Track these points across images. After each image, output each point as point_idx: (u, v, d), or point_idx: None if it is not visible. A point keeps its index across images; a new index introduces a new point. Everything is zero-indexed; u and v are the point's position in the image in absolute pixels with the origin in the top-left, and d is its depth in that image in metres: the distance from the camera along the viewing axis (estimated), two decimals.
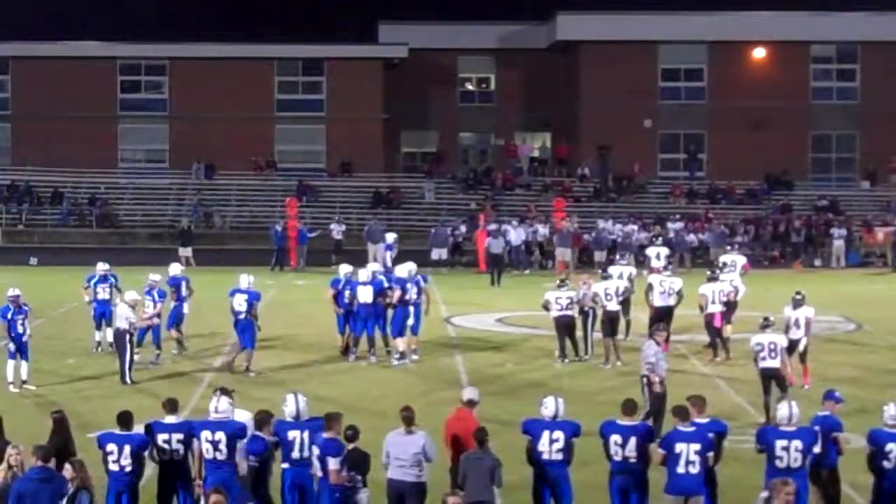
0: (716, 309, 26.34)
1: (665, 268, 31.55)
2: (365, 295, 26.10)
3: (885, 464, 14.15)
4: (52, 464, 13.33)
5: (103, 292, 27.25)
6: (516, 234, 47.41)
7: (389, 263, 35.89)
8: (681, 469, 13.92)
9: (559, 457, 14.28)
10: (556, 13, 60.01)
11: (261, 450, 14.28)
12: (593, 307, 26.38)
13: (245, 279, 25.55)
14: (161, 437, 14.47)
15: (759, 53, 60.37)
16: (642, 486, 14.28)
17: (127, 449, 14.09)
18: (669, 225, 50.07)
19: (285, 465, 14.48)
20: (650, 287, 27.06)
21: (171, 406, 14.84)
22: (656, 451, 14.16)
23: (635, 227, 48.73)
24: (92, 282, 27.59)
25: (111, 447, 14.15)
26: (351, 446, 13.98)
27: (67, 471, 13.12)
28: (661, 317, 25.91)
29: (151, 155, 61.51)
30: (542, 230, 49.08)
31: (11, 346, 23.61)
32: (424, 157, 63.14)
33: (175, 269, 28.30)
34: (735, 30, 59.77)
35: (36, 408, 21.51)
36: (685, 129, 60.91)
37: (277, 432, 14.58)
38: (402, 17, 60.27)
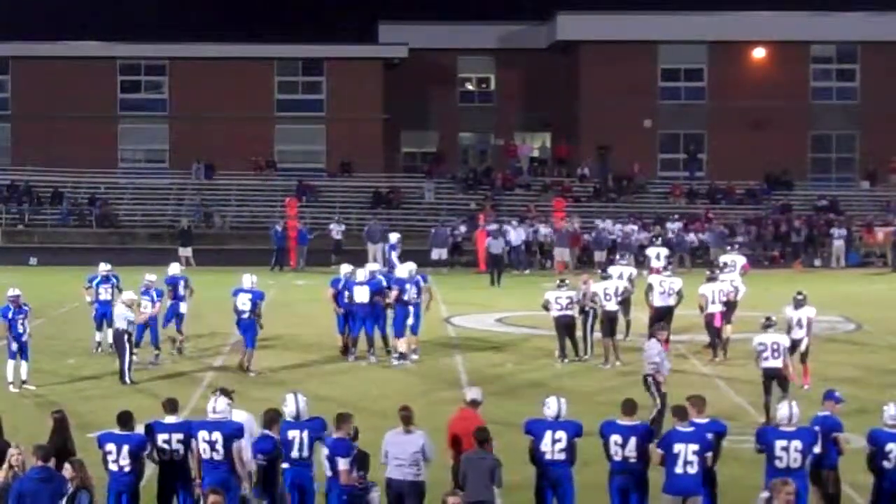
0: (716, 309, 26.34)
1: (665, 268, 31.56)
2: (361, 295, 26.13)
3: (885, 464, 14.15)
4: (51, 463, 13.33)
5: (105, 293, 27.23)
6: (516, 235, 47.41)
7: (396, 262, 35.92)
8: (679, 469, 13.92)
9: (562, 457, 14.27)
10: (556, 13, 60.02)
11: (270, 449, 14.26)
12: (593, 307, 26.38)
13: (248, 279, 25.61)
14: (161, 437, 14.48)
15: (759, 53, 60.38)
16: (642, 486, 14.28)
17: (125, 449, 14.10)
18: (669, 225, 50.07)
19: (285, 465, 14.48)
20: (650, 287, 27.06)
21: (171, 406, 14.85)
22: (655, 451, 14.17)
23: (635, 228, 48.73)
24: (94, 282, 27.59)
25: (110, 447, 14.16)
26: None
27: (67, 470, 13.13)
28: (661, 317, 25.91)
29: (151, 155, 61.52)
30: (544, 230, 49.08)
31: (14, 346, 23.61)
32: (424, 157, 63.15)
33: (174, 268, 28.31)
34: (735, 30, 59.77)
35: (36, 408, 21.51)
36: (685, 129, 60.92)
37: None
38: (402, 17, 60.28)
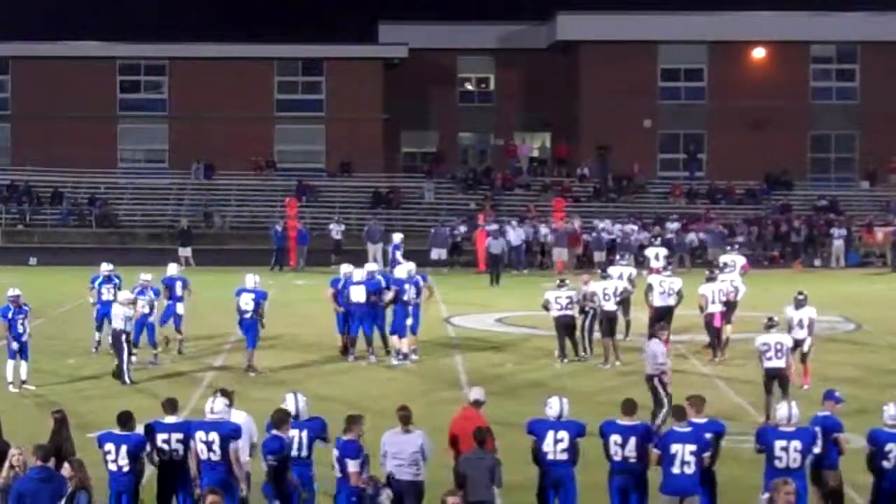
0: (716, 309, 26.33)
1: (665, 268, 31.55)
2: (358, 294, 26.15)
3: (885, 464, 14.14)
4: (51, 463, 13.33)
5: (108, 293, 27.18)
6: (516, 234, 47.41)
7: (402, 260, 35.98)
8: (676, 469, 13.92)
9: (564, 457, 14.26)
10: (556, 13, 60.03)
11: (279, 449, 14.25)
12: (592, 307, 26.36)
13: (251, 279, 25.66)
14: (161, 437, 14.48)
15: (759, 53, 60.39)
16: (642, 486, 14.27)
17: (124, 449, 14.11)
18: (668, 225, 50.07)
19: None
20: (650, 287, 27.05)
21: (171, 406, 14.85)
22: (652, 451, 14.17)
23: (635, 228, 48.73)
24: (96, 282, 27.59)
25: (109, 447, 14.17)
26: None
27: (66, 470, 13.12)
28: (661, 317, 25.90)
29: (151, 155, 61.53)
30: (544, 230, 49.09)
31: (14, 346, 23.61)
32: (424, 157, 63.16)
33: (172, 269, 28.30)
34: (735, 30, 59.78)
35: (36, 408, 21.51)
36: (685, 129, 60.93)
37: None
38: (402, 17, 60.29)
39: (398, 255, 40.71)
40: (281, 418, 14.37)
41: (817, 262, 50.11)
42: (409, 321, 26.29)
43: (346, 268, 27.17)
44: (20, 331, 23.54)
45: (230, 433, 14.27)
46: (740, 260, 31.59)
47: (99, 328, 27.38)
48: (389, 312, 26.45)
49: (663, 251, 36.99)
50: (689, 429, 14.13)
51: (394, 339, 26.58)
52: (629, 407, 14.58)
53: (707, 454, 14.13)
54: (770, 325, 21.03)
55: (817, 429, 14.42)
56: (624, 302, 27.37)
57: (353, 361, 26.38)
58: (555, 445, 14.27)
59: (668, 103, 60.67)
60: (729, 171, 57.99)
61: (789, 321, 23.03)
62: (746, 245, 46.36)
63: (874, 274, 47.07)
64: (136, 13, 61.57)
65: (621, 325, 27.51)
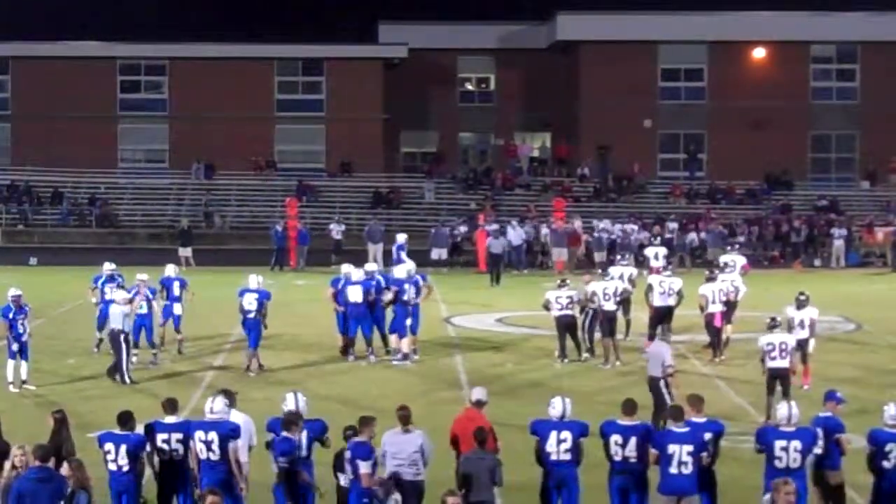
0: (716, 309, 26.32)
1: (665, 268, 31.55)
2: (355, 294, 26.16)
3: (885, 464, 14.13)
4: (51, 463, 13.32)
5: (111, 292, 27.12)
6: (516, 234, 47.40)
7: (406, 259, 36.04)
8: (673, 469, 13.91)
9: (567, 457, 14.26)
10: (556, 13, 60.02)
11: (290, 450, 14.25)
12: (592, 307, 26.35)
13: (254, 279, 25.70)
14: (161, 437, 14.49)
15: (759, 53, 60.38)
16: (642, 485, 14.27)
17: (123, 449, 14.12)
18: (668, 225, 50.06)
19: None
20: (650, 287, 27.04)
21: (171, 406, 14.86)
22: (651, 451, 14.16)
23: (635, 227, 48.73)
24: (99, 282, 27.58)
25: (108, 446, 14.19)
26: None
27: (64, 470, 13.12)
28: (661, 317, 25.91)
29: (151, 155, 61.52)
30: (545, 230, 49.09)
31: (14, 346, 23.61)
32: (424, 157, 63.15)
33: (169, 269, 28.27)
34: (735, 30, 59.77)
35: (36, 408, 21.49)
36: (685, 129, 60.92)
37: (276, 431, 14.57)
38: (402, 17, 60.28)
39: (403, 255, 40.70)
40: (291, 420, 14.35)
41: (817, 262, 50.10)
42: (409, 321, 26.30)
43: (346, 268, 27.18)
44: (20, 331, 23.55)
45: (229, 433, 14.27)
46: (740, 260, 31.58)
47: (101, 328, 27.36)
48: (389, 312, 26.47)
49: (663, 250, 36.98)
50: (686, 429, 14.12)
51: (394, 339, 26.59)
52: (629, 407, 14.58)
53: (705, 454, 14.12)
54: (773, 326, 21.04)
55: (819, 429, 14.39)
56: (624, 302, 27.37)
57: (353, 361, 26.38)
58: (558, 446, 14.27)
59: (669, 103, 60.66)
60: (729, 171, 57.99)
61: (790, 321, 23.02)
62: (747, 245, 46.37)
63: (874, 274, 47.07)
64: (136, 13, 61.57)
65: (621, 324, 27.52)
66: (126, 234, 55.16)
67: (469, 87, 64.22)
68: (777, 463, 13.84)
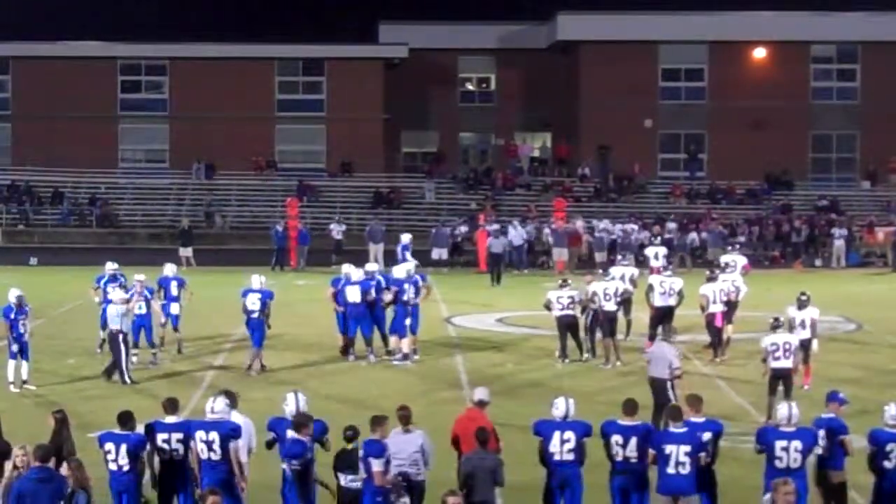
0: (717, 309, 26.32)
1: (665, 268, 31.55)
2: (353, 294, 26.17)
3: (886, 464, 14.12)
4: (51, 464, 13.32)
5: (112, 292, 27.16)
6: (517, 234, 47.41)
7: (409, 258, 36.10)
8: (671, 469, 13.90)
9: (571, 457, 14.26)
10: (556, 13, 60.01)
11: (301, 453, 14.24)
12: (592, 307, 26.34)
13: (257, 279, 25.72)
14: (161, 437, 14.48)
15: (759, 53, 60.37)
16: (643, 485, 14.27)
17: (123, 448, 14.12)
18: (668, 225, 50.06)
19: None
20: (650, 287, 27.04)
21: (172, 406, 14.86)
22: (650, 451, 14.15)
23: (635, 227, 48.73)
24: (101, 282, 27.57)
25: (109, 446, 14.20)
26: (350, 446, 13.99)
27: (64, 470, 13.11)
28: (662, 317, 25.89)
29: (151, 155, 61.51)
30: (547, 230, 49.09)
31: (14, 346, 23.60)
32: (424, 157, 63.14)
33: (168, 269, 28.26)
34: (735, 30, 59.77)
35: (36, 408, 21.49)
36: (685, 129, 60.90)
37: (276, 430, 14.59)
38: (402, 17, 60.29)
39: (407, 255, 40.72)
40: (301, 422, 14.33)
41: (818, 262, 50.11)
42: (408, 321, 26.29)
43: (346, 268, 27.19)
44: (21, 331, 23.55)
45: (230, 433, 14.28)
46: (741, 260, 31.57)
47: (104, 327, 27.33)
48: (390, 312, 26.47)
49: (663, 250, 36.97)
50: (684, 429, 14.11)
51: (394, 340, 26.59)
52: (630, 407, 14.58)
53: (703, 455, 14.11)
54: (776, 326, 21.06)
55: (821, 430, 14.36)
56: (625, 302, 27.37)
57: (354, 361, 26.38)
58: (561, 446, 14.27)
59: (669, 103, 60.65)
60: (729, 171, 57.97)
61: (791, 321, 23.01)
62: (747, 245, 46.37)
63: (875, 274, 47.08)
64: (136, 13, 61.60)
65: (622, 324, 27.51)
66: (126, 235, 55.14)
67: (469, 87, 64.22)
68: (777, 463, 13.84)
